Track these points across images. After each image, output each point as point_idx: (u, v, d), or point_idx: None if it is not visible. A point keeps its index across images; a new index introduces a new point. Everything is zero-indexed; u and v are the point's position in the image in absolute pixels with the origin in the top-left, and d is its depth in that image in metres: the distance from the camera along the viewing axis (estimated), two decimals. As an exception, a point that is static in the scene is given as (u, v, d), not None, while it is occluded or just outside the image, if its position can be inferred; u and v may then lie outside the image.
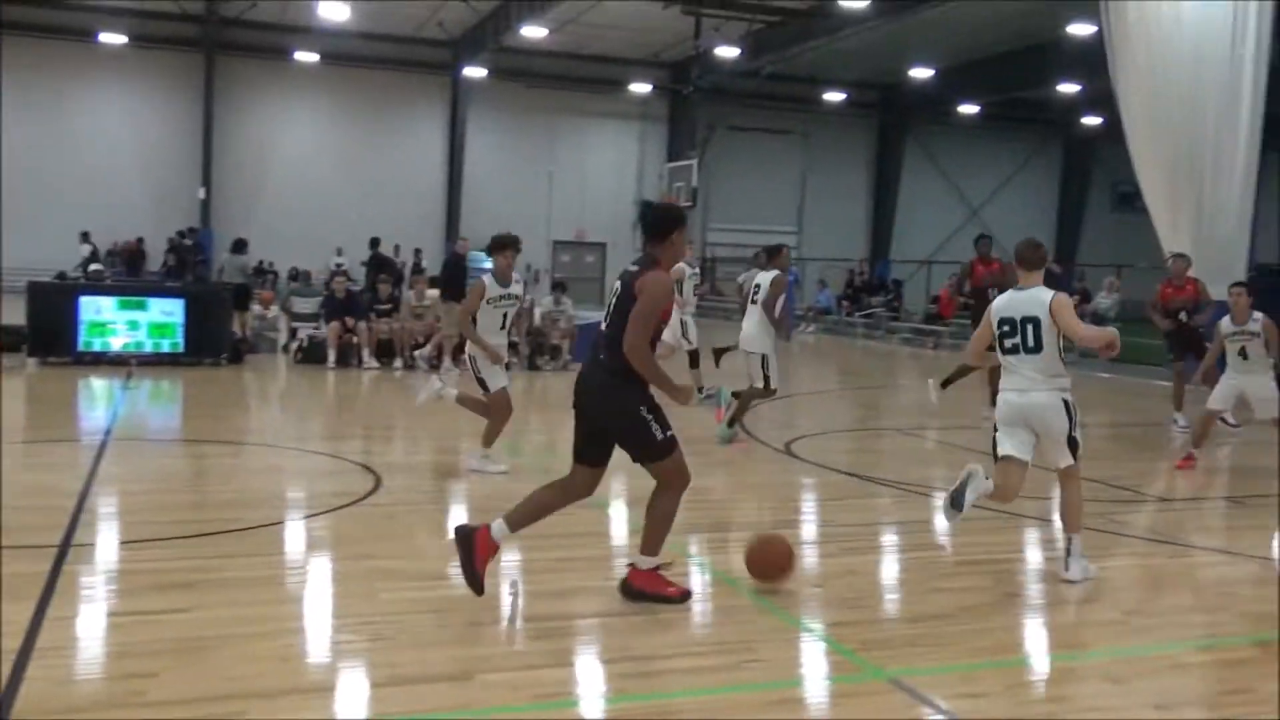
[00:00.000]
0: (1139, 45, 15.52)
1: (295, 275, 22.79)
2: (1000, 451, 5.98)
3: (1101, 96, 18.70)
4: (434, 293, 16.57)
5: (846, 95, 36.02)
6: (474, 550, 5.10)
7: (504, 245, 8.25)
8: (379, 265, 20.00)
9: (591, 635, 4.96)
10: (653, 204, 5.79)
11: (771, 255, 10.64)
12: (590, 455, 5.32)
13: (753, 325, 10.04)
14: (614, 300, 5.18)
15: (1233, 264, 15.14)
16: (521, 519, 5.29)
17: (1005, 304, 6.05)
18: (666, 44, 32.52)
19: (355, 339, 15.43)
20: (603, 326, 5.26)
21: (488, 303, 8.24)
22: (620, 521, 7.18)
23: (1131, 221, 19.74)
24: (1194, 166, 15.85)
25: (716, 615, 5.32)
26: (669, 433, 5.20)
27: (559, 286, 17.19)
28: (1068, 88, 31.02)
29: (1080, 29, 23.51)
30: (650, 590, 5.28)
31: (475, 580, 5.10)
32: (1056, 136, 40.32)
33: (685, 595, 5.36)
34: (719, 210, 37.15)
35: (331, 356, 15.24)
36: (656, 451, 5.20)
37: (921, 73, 32.32)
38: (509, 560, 6.15)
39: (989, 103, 35.64)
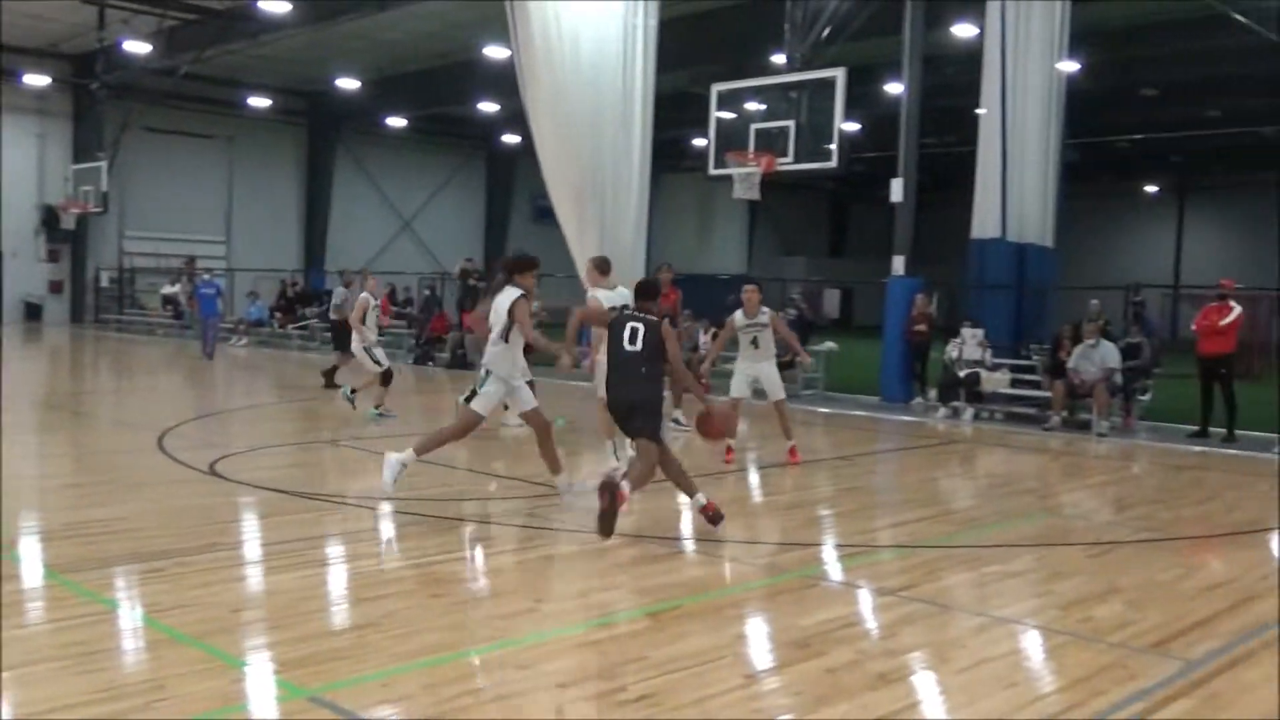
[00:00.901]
0: (544, 73, 16.63)
1: None
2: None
3: (517, 116, 19.89)
4: None
5: (273, 101, 35.14)
6: (616, 501, 6.90)
7: (533, 265, 8.39)
8: None
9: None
10: (646, 279, 8.92)
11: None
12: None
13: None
14: (642, 337, 7.59)
15: (632, 274, 16.78)
16: (638, 483, 7.37)
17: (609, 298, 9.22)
18: (66, 34, 29.68)
19: None
20: (633, 349, 7.62)
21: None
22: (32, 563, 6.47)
23: (550, 233, 21.19)
24: (596, 186, 17.35)
25: (129, 654, 4.97)
26: None
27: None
28: (488, 106, 32.65)
29: (495, 51, 24.83)
30: (719, 511, 7.60)
31: (610, 527, 6.96)
32: (481, 151, 42.34)
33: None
34: (137, 218, 34.63)
35: None
36: (657, 430, 7.64)
37: (348, 83, 32.37)
38: None
39: (416, 116, 36.57)
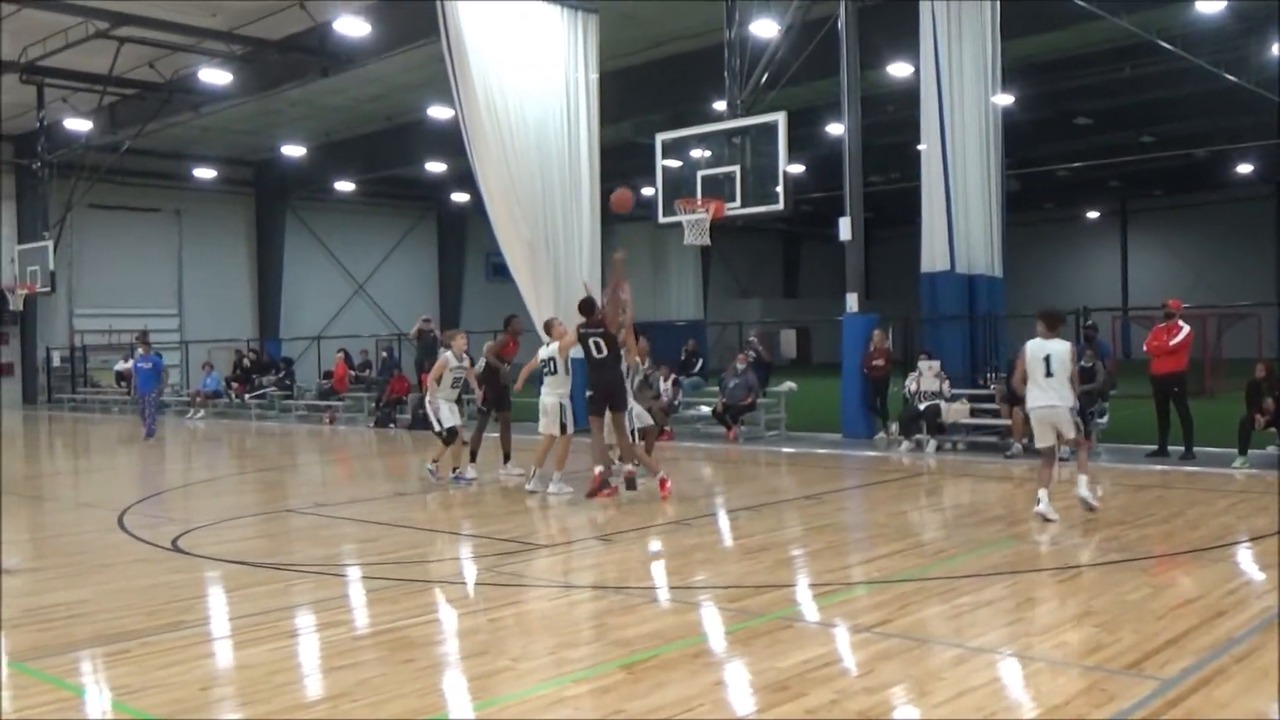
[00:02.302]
0: (491, 133, 16.78)
1: None
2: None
3: (466, 175, 19.98)
4: None
5: (219, 172, 35.07)
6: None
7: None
8: None
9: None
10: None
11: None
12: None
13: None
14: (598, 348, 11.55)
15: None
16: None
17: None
18: (6, 114, 29.48)
19: None
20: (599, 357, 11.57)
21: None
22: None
23: (504, 290, 21.23)
24: (549, 240, 17.48)
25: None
26: None
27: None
28: (436, 166, 32.76)
29: (440, 112, 24.98)
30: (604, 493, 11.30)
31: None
32: (431, 211, 42.42)
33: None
34: (86, 295, 34.33)
35: None
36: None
37: (294, 150, 32.39)
38: None
39: (365, 179, 36.60)
